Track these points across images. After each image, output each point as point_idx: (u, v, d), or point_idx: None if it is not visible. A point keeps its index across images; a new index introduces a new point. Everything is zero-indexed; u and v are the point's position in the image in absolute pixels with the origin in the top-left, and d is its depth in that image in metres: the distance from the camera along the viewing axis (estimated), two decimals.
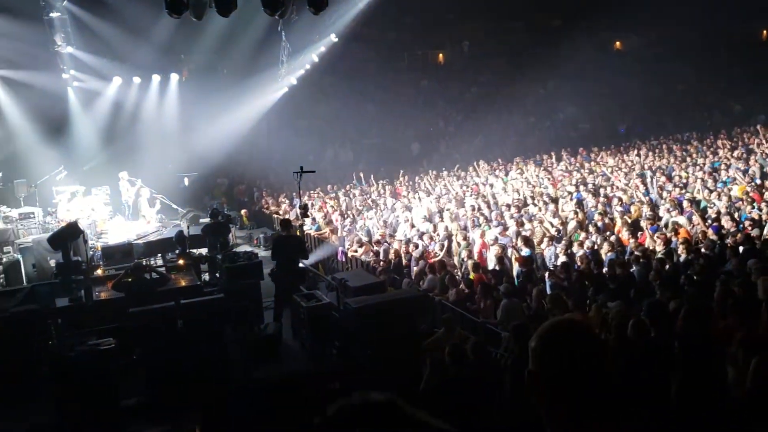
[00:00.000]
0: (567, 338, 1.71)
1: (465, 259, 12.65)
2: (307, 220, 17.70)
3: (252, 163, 27.10)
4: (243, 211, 21.71)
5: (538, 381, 1.69)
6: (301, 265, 12.12)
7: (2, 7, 17.78)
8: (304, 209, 17.56)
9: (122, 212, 19.27)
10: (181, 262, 12.23)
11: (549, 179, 19.84)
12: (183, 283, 10.93)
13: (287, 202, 21.03)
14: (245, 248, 16.38)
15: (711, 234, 12.00)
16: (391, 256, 13.76)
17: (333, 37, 24.12)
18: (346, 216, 18.23)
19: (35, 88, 20.47)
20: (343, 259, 15.26)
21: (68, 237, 12.71)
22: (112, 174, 19.66)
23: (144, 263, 12.81)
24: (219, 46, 23.41)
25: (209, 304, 9.42)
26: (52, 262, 13.55)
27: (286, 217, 15.30)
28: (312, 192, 22.02)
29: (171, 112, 24.27)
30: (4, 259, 15.07)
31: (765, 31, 36.15)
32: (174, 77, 24.47)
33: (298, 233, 17.11)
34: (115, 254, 13.56)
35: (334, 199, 20.87)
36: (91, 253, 14.40)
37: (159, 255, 14.53)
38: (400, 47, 33.18)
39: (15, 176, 19.32)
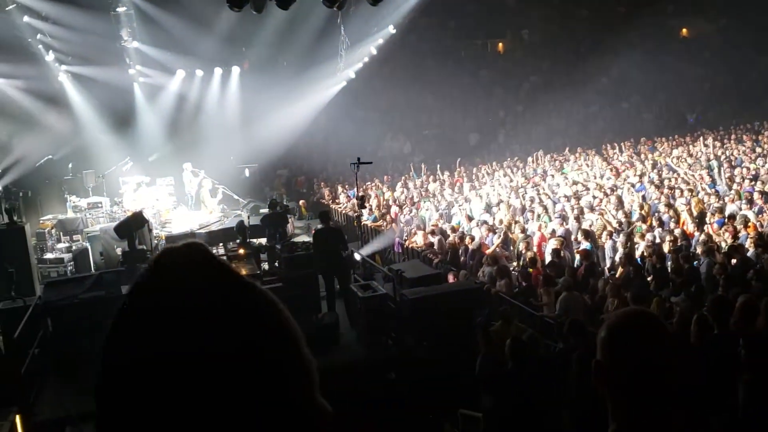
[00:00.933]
0: (636, 329, 1.69)
1: (523, 251, 12.50)
2: (364, 211, 17.82)
3: (311, 154, 27.38)
4: (301, 202, 21.97)
5: (605, 371, 1.67)
6: (357, 256, 12.18)
7: (73, 2, 18.42)
8: (362, 200, 17.68)
9: (185, 202, 19.75)
10: (241, 251, 12.48)
11: (611, 170, 19.38)
12: (243, 272, 11.08)
13: (345, 193, 21.18)
14: (303, 238, 16.58)
15: None
16: (448, 247, 13.71)
17: (391, 29, 24.09)
18: (403, 207, 18.24)
19: (102, 83, 21.15)
20: (400, 250, 15.29)
21: (134, 226, 13.17)
22: (176, 165, 20.17)
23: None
24: (279, 39, 23.65)
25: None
26: (119, 251, 14.05)
27: (324, 210, 15.37)
28: (369, 183, 22.11)
29: (232, 105, 24.70)
30: (74, 247, 15.71)
31: None
32: (235, 70, 24.87)
33: (355, 224, 17.33)
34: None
35: (392, 190, 20.90)
36: (156, 242, 14.83)
37: (220, 244, 14.86)
38: (459, 36, 32.84)
39: (84, 167, 20.03)
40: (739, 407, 4.88)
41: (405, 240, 15.47)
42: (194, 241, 0.87)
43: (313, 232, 13.01)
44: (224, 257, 11.91)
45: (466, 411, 7.59)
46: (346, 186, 21.77)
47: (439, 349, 9.01)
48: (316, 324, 10.42)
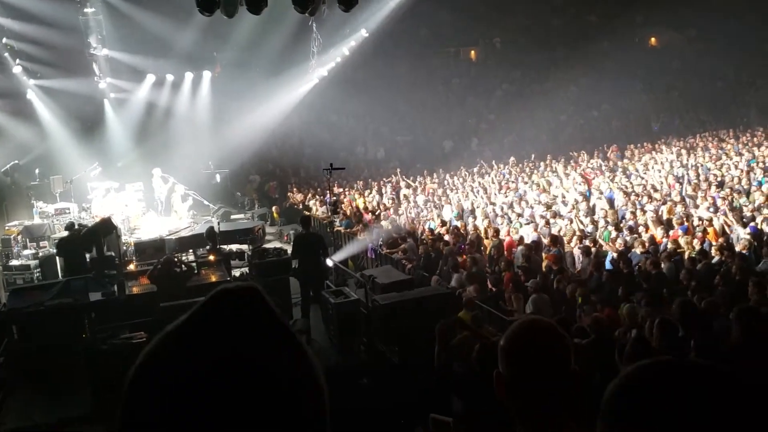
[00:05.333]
0: (531, 339, 1.71)
1: (495, 256, 12.59)
2: (337, 217, 17.79)
3: (283, 159, 27.29)
4: (274, 208, 21.87)
5: (504, 381, 1.69)
6: (329, 262, 12.18)
7: (40, 16, 18.20)
8: (335, 206, 17.64)
9: (155, 208, 19.54)
10: (211, 257, 12.37)
11: (581, 177, 19.63)
12: (213, 279, 11.06)
13: (318, 198, 21.12)
14: (276, 245, 16.50)
15: (747, 233, 11.76)
16: (420, 252, 13.75)
17: (364, 32, 24.20)
18: (376, 213, 18.25)
19: (70, 91, 20.92)
20: (373, 256, 15.29)
21: (102, 232, 12.97)
22: (146, 170, 19.96)
23: (175, 257, 12.98)
24: (250, 43, 23.59)
25: None
26: (87, 257, 13.81)
27: (306, 214, 15.35)
28: (343, 189, 22.09)
29: (203, 109, 24.56)
30: (40, 254, 15.42)
31: None
32: (206, 74, 24.75)
33: (328, 230, 17.28)
34: (148, 250, 13.74)
35: (365, 197, 20.90)
36: (124, 248, 14.64)
37: (190, 250, 14.71)
38: (431, 44, 33.05)
39: (51, 172, 19.71)
40: None
41: (378, 246, 15.46)
42: (252, 286, 0.86)
43: (294, 236, 12.96)
44: (194, 263, 11.84)
45: (437, 416, 7.60)
46: (319, 191, 21.73)
47: (410, 354, 9.01)
48: None
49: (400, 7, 23.63)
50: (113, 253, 13.39)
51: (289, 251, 12.36)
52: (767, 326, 5.59)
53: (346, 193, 21.38)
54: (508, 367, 1.71)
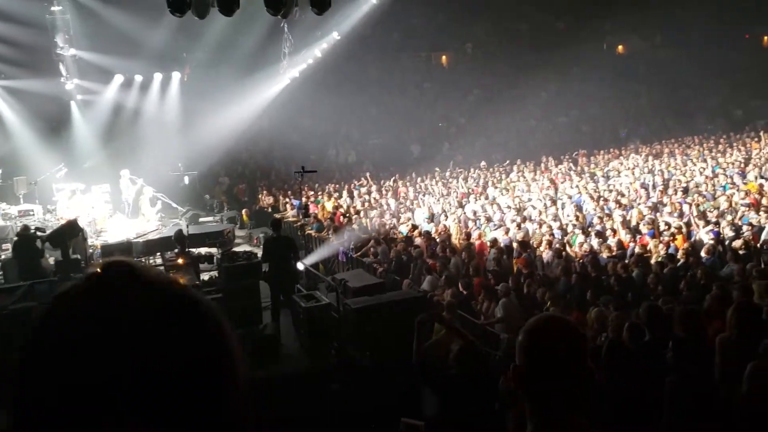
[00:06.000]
0: (552, 334, 1.76)
1: (465, 260, 12.66)
2: (308, 221, 17.73)
3: (253, 161, 27.10)
4: (244, 211, 21.68)
5: (523, 375, 1.73)
6: (300, 266, 12.11)
7: (4, 14, 17.83)
8: (305, 209, 17.56)
9: (122, 210, 19.25)
10: (180, 261, 12.22)
11: (550, 182, 19.85)
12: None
13: (289, 201, 21.01)
14: (245, 248, 16.37)
15: (711, 238, 12.00)
16: (392, 256, 13.75)
17: (336, 35, 24.19)
18: (347, 216, 18.22)
19: (36, 91, 20.53)
20: (344, 260, 15.25)
21: (68, 235, 12.74)
22: (113, 172, 19.64)
23: (142, 261, 12.80)
24: (221, 44, 23.42)
25: None
26: (52, 260, 13.55)
27: (276, 217, 15.25)
28: (314, 192, 22.00)
29: (172, 111, 24.28)
30: (3, 257, 15.06)
31: (766, 38, 36.19)
32: (176, 75, 24.48)
33: (299, 233, 17.20)
34: (115, 253, 13.53)
35: (336, 200, 20.84)
36: (91, 251, 14.40)
37: (158, 254, 14.52)
38: (403, 48, 33.17)
39: (15, 173, 19.31)
40: (664, 409, 5.04)
41: (350, 249, 15.43)
42: (123, 259, 0.85)
43: (264, 239, 12.86)
44: (162, 267, 11.68)
45: (409, 420, 7.61)
46: (290, 194, 21.62)
47: (382, 358, 9.00)
48: (258, 335, 10.30)
49: (373, 11, 23.67)
50: (79, 256, 13.16)
51: (260, 255, 12.27)
52: (702, 324, 5.91)
53: (316, 197, 21.27)
54: (526, 360, 1.74)
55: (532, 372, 1.72)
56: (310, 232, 17.27)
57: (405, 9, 28.15)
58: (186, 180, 22.17)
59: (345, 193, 21.46)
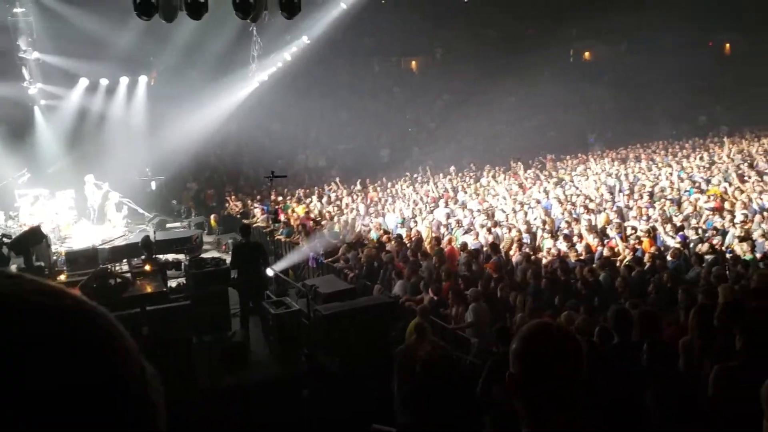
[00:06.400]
0: (545, 340, 1.77)
1: (436, 265, 12.66)
2: (278, 226, 17.61)
3: (222, 166, 26.87)
4: (212, 216, 21.47)
5: (518, 382, 1.73)
6: (269, 272, 12.02)
7: None
8: (275, 214, 17.43)
9: (87, 216, 18.91)
10: (147, 267, 12.02)
11: (518, 186, 20.01)
12: (149, 290, 10.74)
13: (258, 207, 20.85)
14: (213, 254, 16.20)
15: (677, 242, 12.19)
16: (363, 261, 13.71)
17: (305, 39, 24.12)
18: (317, 222, 18.13)
19: None
20: (314, 265, 15.17)
21: (31, 241, 12.46)
22: (78, 177, 19.29)
23: (108, 268, 12.58)
24: (189, 48, 23.18)
25: (175, 311, 9.28)
26: (14, 267, 13.23)
27: (245, 222, 15.14)
28: (284, 197, 21.87)
29: (139, 115, 23.97)
30: None
31: (728, 45, 37.07)
32: (143, 79, 24.19)
33: (268, 239, 17.07)
34: (80, 259, 13.28)
35: (307, 205, 20.74)
36: (55, 258, 14.12)
37: (124, 260, 14.28)
38: (373, 53, 33.23)
39: None
40: (648, 415, 5.09)
41: (320, 255, 15.35)
42: None
43: (233, 245, 12.75)
44: (128, 274, 11.49)
45: (380, 426, 7.57)
46: (259, 199, 21.46)
47: (353, 364, 8.96)
48: (227, 341, 10.18)
49: (343, 16, 23.65)
50: (42, 263, 12.89)
51: (228, 261, 12.15)
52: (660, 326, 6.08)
53: (285, 202, 21.14)
54: (521, 368, 1.74)
55: (527, 379, 1.73)
56: (279, 237, 17.15)
57: (375, 14, 28.20)
58: (153, 185, 21.88)
59: (315, 198, 21.37)
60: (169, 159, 22.25)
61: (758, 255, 10.99)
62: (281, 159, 25.03)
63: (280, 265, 14.13)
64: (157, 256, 13.15)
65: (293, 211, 19.66)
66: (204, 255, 14.67)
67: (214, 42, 22.95)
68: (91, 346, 0.69)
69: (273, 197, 21.09)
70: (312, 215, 19.10)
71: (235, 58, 23.46)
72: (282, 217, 18.37)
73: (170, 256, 14.24)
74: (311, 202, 20.99)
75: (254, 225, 18.62)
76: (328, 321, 9.35)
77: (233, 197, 22.79)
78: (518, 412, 1.76)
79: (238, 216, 20.83)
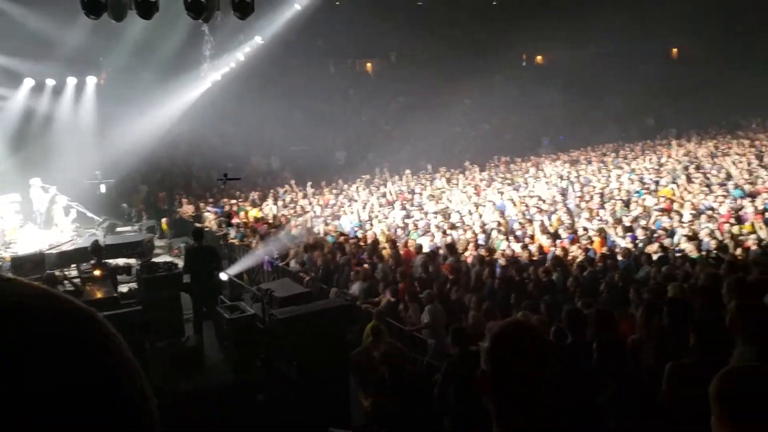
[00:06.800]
0: (515, 339, 1.79)
1: (392, 267, 12.68)
2: (231, 229, 17.37)
3: (173, 168, 26.39)
4: (163, 220, 21.05)
5: (489, 380, 1.76)
6: (223, 276, 11.85)
7: None
8: (228, 217, 17.19)
9: (34, 220, 18.33)
10: (96, 272, 11.72)
11: (473, 188, 20.20)
12: (99, 295, 10.48)
13: (210, 210, 20.53)
14: (165, 258, 15.90)
15: (627, 242, 12.46)
16: (319, 264, 13.63)
17: (259, 39, 23.90)
18: (272, 225, 17.96)
19: None
20: (269, 269, 15.01)
21: None
22: (23, 181, 18.69)
23: (57, 274, 12.24)
24: (140, 48, 22.72)
25: (126, 317, 9.06)
26: None
27: (198, 226, 14.90)
28: (237, 200, 21.59)
29: (88, 117, 23.38)
30: None
31: (675, 50, 38.18)
32: (91, 80, 23.61)
33: (222, 242, 16.82)
34: (26, 265, 12.89)
35: (261, 208, 20.53)
36: (0, 263, 13.68)
37: (73, 265, 13.90)
38: (328, 55, 33.13)
39: None
40: (603, 413, 5.16)
41: (275, 258, 15.20)
42: None
43: (185, 249, 12.54)
44: (77, 279, 11.19)
45: (336, 430, 7.53)
46: (212, 202, 21.14)
47: (309, 368, 8.88)
48: (180, 347, 10.00)
49: (297, 17, 23.51)
50: None
51: (181, 265, 11.94)
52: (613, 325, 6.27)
53: (238, 205, 20.86)
54: (491, 366, 1.76)
55: (498, 377, 1.75)
56: (233, 241, 16.92)
57: (329, 16, 28.12)
58: (102, 188, 21.32)
59: (270, 201, 21.17)
60: (119, 161, 21.73)
61: (704, 253, 11.32)
62: (234, 161, 24.70)
63: (234, 269, 13.94)
64: (107, 260, 12.85)
65: (247, 214, 19.42)
66: (155, 259, 14.41)
67: (166, 42, 22.56)
68: (88, 347, 0.70)
69: (226, 200, 20.82)
70: (266, 218, 18.92)
71: (187, 58, 23.10)
72: (236, 220, 18.14)
73: (120, 261, 13.95)
74: (266, 204, 20.78)
75: (207, 228, 18.35)
76: (284, 325, 9.25)
77: (185, 200, 22.40)
78: (489, 410, 1.78)
79: (191, 219, 20.47)
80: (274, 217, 19.06)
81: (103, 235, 16.48)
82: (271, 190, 22.99)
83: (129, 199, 23.38)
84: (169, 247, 18.62)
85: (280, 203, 20.99)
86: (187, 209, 21.59)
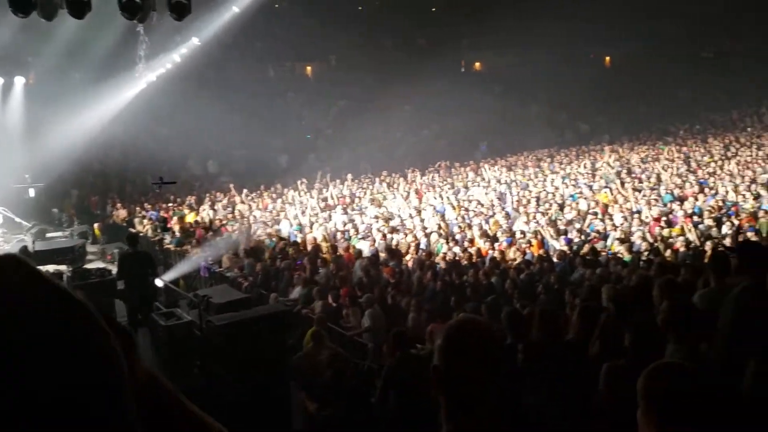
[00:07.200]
0: (467, 335, 1.82)
1: (333, 272, 12.63)
2: (167, 234, 16.99)
3: (106, 171, 25.64)
4: (96, 225, 20.42)
5: (442, 376, 1.77)
6: (158, 282, 11.58)
7: None
8: (164, 222, 16.81)
9: None
10: None
11: (415, 192, 20.34)
12: None
13: (145, 214, 20.02)
14: (98, 264, 15.43)
15: (562, 245, 12.77)
16: (258, 269, 13.46)
17: (196, 41, 23.49)
18: (210, 229, 17.64)
19: None
20: (206, 275, 14.74)
21: None
22: None
23: None
24: (71, 47, 22.00)
25: None
26: None
27: (132, 231, 14.57)
28: (173, 204, 21.10)
29: (15, 118, 22.54)
30: None
31: (608, 58, 39.44)
32: (19, 80, 22.76)
33: (157, 248, 16.43)
34: None
35: (197, 212, 20.12)
36: None
37: None
38: (267, 58, 32.82)
39: None
40: (538, 414, 5.25)
41: (212, 264, 14.93)
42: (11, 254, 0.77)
43: (119, 255, 12.22)
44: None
45: None
46: (147, 207, 20.62)
47: (248, 374, 8.75)
48: None
49: (235, 19, 23.23)
50: None
51: (114, 271, 11.61)
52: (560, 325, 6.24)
53: (174, 209, 20.40)
54: (443, 362, 1.78)
55: (449, 373, 1.76)
56: (168, 246, 16.54)
57: (268, 19, 27.89)
58: (31, 192, 20.53)
59: (206, 205, 20.77)
60: (49, 164, 20.96)
61: (636, 254, 11.70)
62: (170, 164, 24.12)
63: (170, 275, 13.64)
64: (37, 267, 12.36)
65: (183, 219, 19.01)
66: (88, 266, 14.00)
67: (99, 41, 21.95)
68: (87, 346, 0.71)
69: (161, 204, 20.35)
70: (203, 223, 18.58)
71: (121, 58, 22.50)
72: (171, 225, 17.75)
73: (51, 268, 13.39)
74: (203, 209, 20.38)
75: (141, 234, 17.89)
76: (222, 331, 9.08)
77: (119, 204, 21.78)
78: (441, 406, 1.79)
79: (124, 224, 19.93)
80: (211, 221, 18.72)
81: (32, 241, 15.92)
82: (208, 194, 22.58)
83: (59, 203, 22.59)
84: (102, 253, 18.09)
85: (218, 207, 20.63)
86: (121, 214, 21.01)
